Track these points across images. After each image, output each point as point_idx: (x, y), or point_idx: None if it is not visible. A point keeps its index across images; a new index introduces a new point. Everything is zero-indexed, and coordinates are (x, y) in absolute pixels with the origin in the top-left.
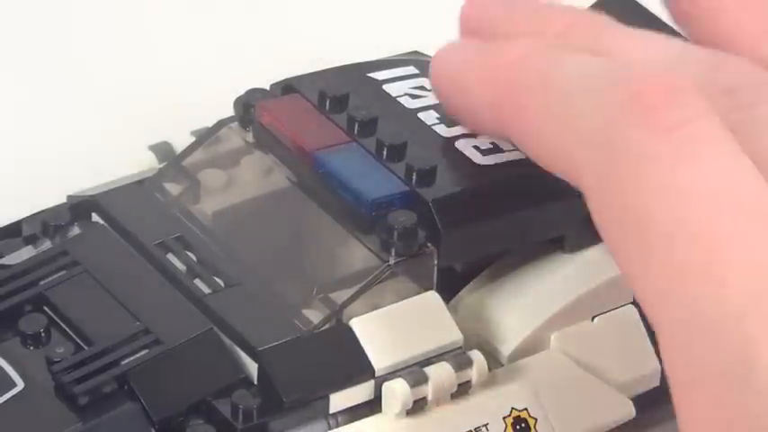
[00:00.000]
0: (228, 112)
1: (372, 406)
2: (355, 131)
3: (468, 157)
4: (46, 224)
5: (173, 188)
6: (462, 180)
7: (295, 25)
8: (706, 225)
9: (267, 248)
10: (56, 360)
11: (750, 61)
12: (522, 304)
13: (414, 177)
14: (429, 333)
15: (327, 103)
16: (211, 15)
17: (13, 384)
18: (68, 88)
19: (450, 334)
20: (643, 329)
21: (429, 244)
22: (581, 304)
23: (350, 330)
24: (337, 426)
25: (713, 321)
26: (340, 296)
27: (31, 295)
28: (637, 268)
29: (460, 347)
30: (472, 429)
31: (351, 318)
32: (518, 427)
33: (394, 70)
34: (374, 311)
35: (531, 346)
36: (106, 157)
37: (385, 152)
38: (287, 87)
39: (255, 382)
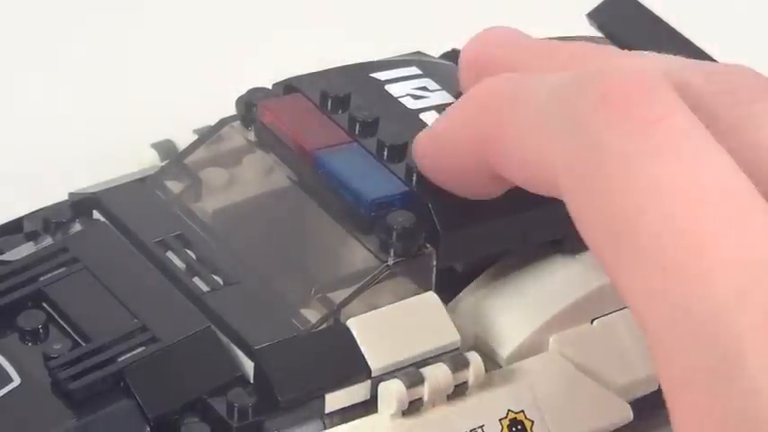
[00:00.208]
0: (230, 111)
1: (368, 406)
2: (356, 131)
3: None
4: (47, 221)
5: (174, 186)
6: None
7: (298, 25)
8: (685, 222)
9: (267, 247)
10: (53, 356)
11: (747, 67)
12: (521, 306)
13: (414, 178)
14: (426, 334)
15: (329, 103)
16: (214, 14)
17: (10, 380)
18: (70, 86)
19: (448, 335)
20: (642, 333)
21: (428, 245)
22: (580, 307)
23: (347, 330)
24: (332, 425)
25: (700, 320)
26: (338, 296)
27: (30, 291)
28: (620, 269)
29: (458, 348)
30: (468, 431)
31: (348, 317)
32: (514, 429)
33: (397, 71)
34: (372, 312)
35: (530, 349)
36: (108, 154)
37: (386, 152)
38: (289, 87)
39: (252, 381)
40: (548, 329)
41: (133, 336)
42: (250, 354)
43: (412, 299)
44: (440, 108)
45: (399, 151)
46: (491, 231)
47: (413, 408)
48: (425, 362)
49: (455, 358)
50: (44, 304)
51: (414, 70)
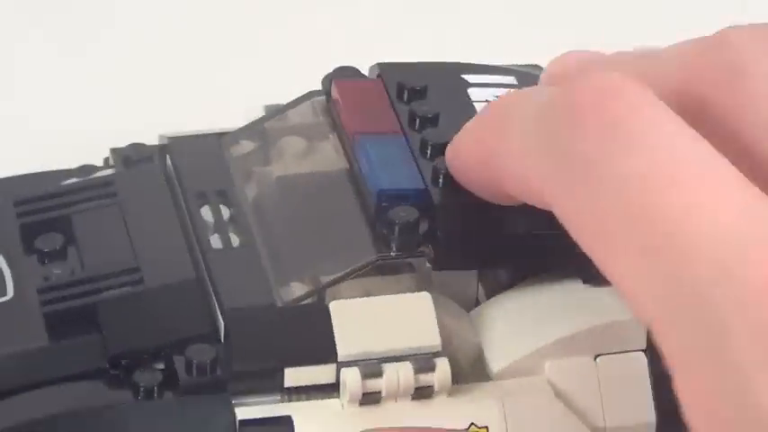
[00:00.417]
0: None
1: (333, 390)
2: (409, 125)
3: None
4: (128, 157)
5: (247, 146)
6: None
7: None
8: (664, 204)
9: (296, 220)
10: (47, 279)
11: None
12: (524, 325)
13: (440, 179)
14: (406, 332)
15: (400, 93)
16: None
17: (4, 293)
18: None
19: (428, 337)
20: (647, 381)
21: (429, 245)
22: (585, 339)
23: (326, 311)
24: (291, 401)
25: (687, 297)
26: (329, 277)
27: (58, 215)
28: (611, 262)
29: (438, 353)
30: None
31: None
32: None
33: (492, 76)
34: (357, 299)
35: (523, 369)
36: None
37: (428, 150)
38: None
39: (222, 341)
40: (544, 354)
41: (123, 274)
42: (222, 312)
43: (404, 295)
44: None
45: (439, 150)
46: (497, 246)
47: (370, 399)
48: (396, 359)
49: (421, 360)
50: (67, 230)
51: (509, 79)
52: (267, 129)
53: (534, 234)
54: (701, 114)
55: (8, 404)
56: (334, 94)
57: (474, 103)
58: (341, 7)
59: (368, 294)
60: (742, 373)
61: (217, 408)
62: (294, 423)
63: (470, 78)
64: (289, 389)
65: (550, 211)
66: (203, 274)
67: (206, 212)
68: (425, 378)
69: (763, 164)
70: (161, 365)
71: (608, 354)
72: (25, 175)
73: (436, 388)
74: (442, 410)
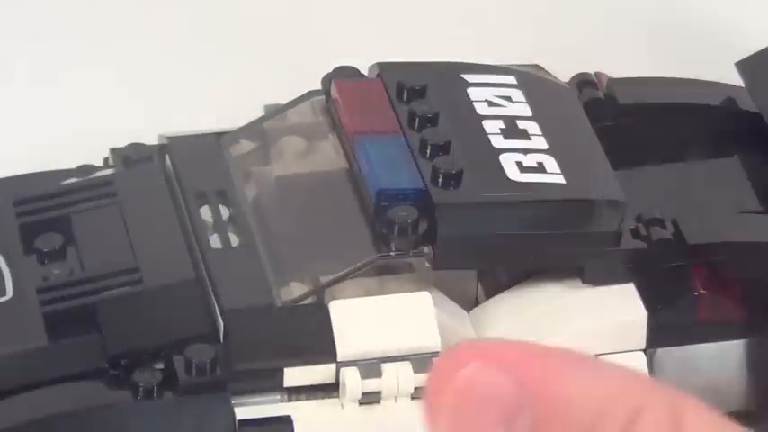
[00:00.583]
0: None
1: (333, 390)
2: (408, 125)
3: (503, 170)
4: (127, 157)
5: (246, 146)
6: (484, 191)
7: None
8: None
9: (295, 220)
10: (46, 279)
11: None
12: (523, 325)
13: (440, 179)
14: (406, 332)
15: (399, 93)
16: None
17: (3, 293)
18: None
19: (428, 337)
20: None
21: (428, 245)
22: (584, 338)
23: (326, 311)
24: (291, 401)
25: None
26: (328, 277)
27: (58, 215)
28: None
29: (437, 353)
30: None
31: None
32: None
33: (491, 76)
34: (357, 299)
35: None
36: None
37: (428, 150)
38: (375, 70)
39: (222, 341)
40: None
41: (122, 274)
42: (222, 313)
43: (403, 295)
44: (508, 119)
45: (437, 151)
46: (494, 246)
47: (370, 399)
48: (396, 359)
49: (421, 360)
50: (66, 230)
51: (509, 79)
52: (267, 129)
53: (532, 234)
54: None
55: (8, 404)
56: (334, 93)
57: (473, 103)
58: (341, 7)
59: (367, 294)
60: None
61: (216, 407)
62: (294, 422)
63: (470, 78)
64: (288, 388)
65: (549, 212)
66: (203, 273)
67: (205, 212)
68: (425, 378)
69: None
70: (160, 365)
71: (608, 353)
72: (25, 175)
73: None
74: None
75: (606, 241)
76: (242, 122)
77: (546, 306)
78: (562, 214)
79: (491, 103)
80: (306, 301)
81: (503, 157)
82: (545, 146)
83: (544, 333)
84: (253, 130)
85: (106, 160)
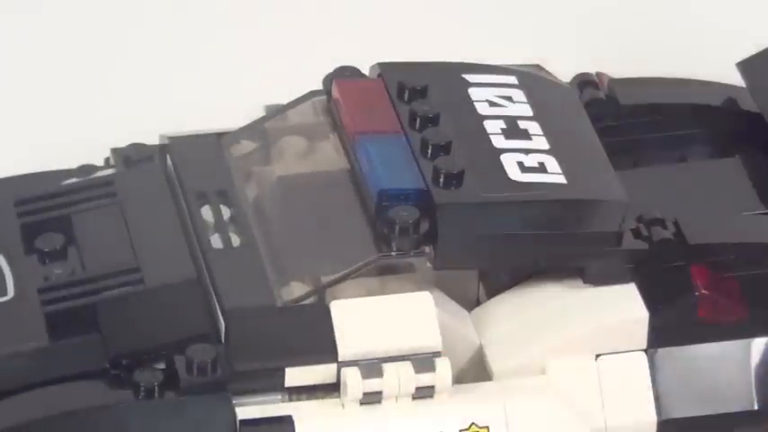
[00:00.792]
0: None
1: (334, 390)
2: (409, 125)
3: (504, 171)
4: (128, 158)
5: (247, 146)
6: (484, 191)
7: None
8: None
9: (297, 220)
10: (47, 279)
11: None
12: (525, 325)
13: (441, 179)
14: (406, 332)
15: (400, 93)
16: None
17: (4, 293)
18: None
19: (428, 337)
20: (648, 380)
21: (429, 245)
22: (586, 338)
23: (327, 311)
24: (293, 401)
25: None
26: (330, 277)
27: (59, 215)
28: None
29: (438, 353)
30: None
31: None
32: None
33: (492, 76)
34: (359, 299)
35: (524, 369)
36: None
37: (429, 150)
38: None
39: (223, 341)
40: (545, 354)
41: (123, 274)
42: (223, 313)
43: (404, 295)
44: (509, 119)
45: (439, 151)
46: (495, 246)
47: (372, 399)
48: (396, 359)
49: (422, 360)
50: (67, 230)
51: (510, 79)
52: (267, 128)
53: (534, 234)
54: None
55: (8, 404)
56: (335, 93)
57: (475, 103)
58: (341, 7)
59: (369, 294)
60: None
61: (217, 407)
62: (295, 422)
63: (471, 78)
64: (290, 388)
65: (550, 212)
66: (204, 273)
67: (206, 212)
68: (426, 378)
69: None
70: (162, 365)
71: (609, 354)
72: (25, 175)
73: (437, 388)
74: (443, 410)
75: (607, 241)
76: (243, 123)
77: (547, 306)
78: (563, 214)
79: (492, 103)
80: (307, 301)
81: (504, 157)
82: (546, 146)
83: (545, 333)
84: (254, 130)
85: (107, 160)
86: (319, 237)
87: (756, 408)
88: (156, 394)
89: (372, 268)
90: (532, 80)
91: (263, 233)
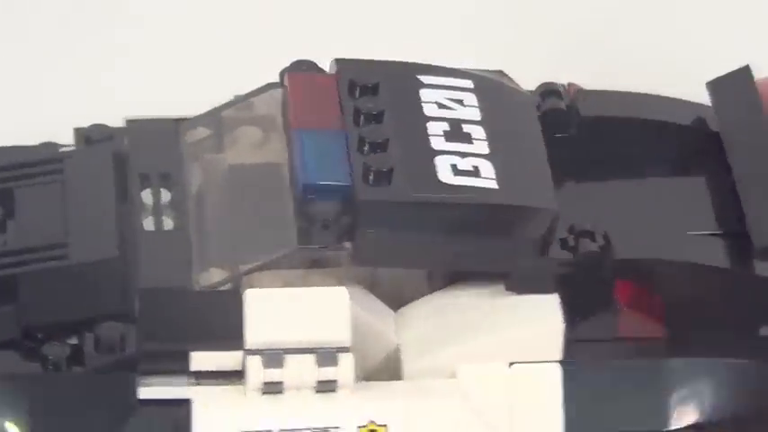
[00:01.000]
0: None
1: (240, 377)
2: (353, 122)
3: (435, 172)
4: (89, 137)
5: (202, 132)
6: (410, 190)
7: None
8: None
9: (231, 208)
10: None
11: None
12: (442, 327)
13: (370, 176)
14: (317, 325)
15: (351, 90)
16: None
17: None
18: None
19: (338, 332)
20: (560, 392)
21: (350, 240)
22: (501, 345)
23: (239, 299)
24: (198, 385)
25: None
26: (248, 266)
27: (2, 188)
28: None
29: (346, 348)
30: (319, 428)
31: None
32: None
33: (448, 79)
34: (274, 289)
35: (435, 370)
36: None
37: (365, 148)
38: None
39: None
40: (458, 357)
41: (48, 249)
42: (137, 292)
43: (321, 289)
44: (454, 122)
45: (375, 148)
46: (416, 245)
47: (273, 389)
48: (302, 351)
49: (325, 354)
50: (7, 204)
51: (465, 83)
52: (224, 117)
53: (455, 237)
54: None
55: None
56: (285, 87)
57: (422, 104)
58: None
59: (289, 286)
60: None
61: (119, 385)
62: (195, 406)
63: (425, 79)
64: (197, 373)
65: (473, 216)
66: (131, 254)
67: (146, 195)
68: (328, 372)
69: None
70: (74, 341)
71: (523, 362)
72: None
73: (339, 383)
74: (343, 405)
75: (531, 249)
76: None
77: (467, 310)
78: (487, 218)
79: (441, 105)
80: (224, 288)
81: (438, 159)
82: (486, 150)
83: (460, 336)
84: (211, 117)
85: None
86: (246, 226)
87: (665, 430)
88: (63, 368)
89: (297, 261)
90: (489, 85)
91: (198, 219)
